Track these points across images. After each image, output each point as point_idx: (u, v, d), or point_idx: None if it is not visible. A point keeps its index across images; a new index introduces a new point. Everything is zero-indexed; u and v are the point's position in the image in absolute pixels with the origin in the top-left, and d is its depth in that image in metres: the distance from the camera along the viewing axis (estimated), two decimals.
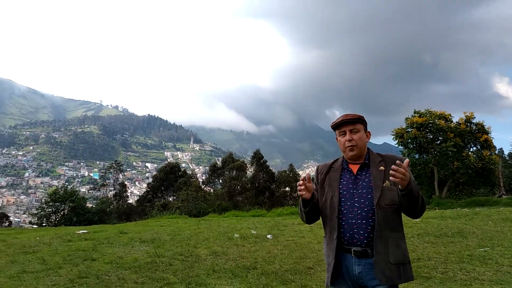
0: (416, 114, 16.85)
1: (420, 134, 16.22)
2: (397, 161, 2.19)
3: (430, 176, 17.30)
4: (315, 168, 2.75)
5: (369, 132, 2.55)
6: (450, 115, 16.75)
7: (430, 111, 16.78)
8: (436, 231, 7.79)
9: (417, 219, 9.25)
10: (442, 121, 16.22)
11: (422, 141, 16.16)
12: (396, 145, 17.55)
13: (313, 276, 5.15)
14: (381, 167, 2.42)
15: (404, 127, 17.07)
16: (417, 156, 17.29)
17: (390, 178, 2.18)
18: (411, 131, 16.48)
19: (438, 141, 16.57)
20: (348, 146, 2.45)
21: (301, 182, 2.40)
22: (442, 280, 4.77)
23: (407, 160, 2.25)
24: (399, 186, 2.22)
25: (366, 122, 2.53)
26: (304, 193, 2.40)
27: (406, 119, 17.07)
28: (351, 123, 2.46)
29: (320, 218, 2.61)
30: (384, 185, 2.35)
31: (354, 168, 2.49)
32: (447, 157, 15.82)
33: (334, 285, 2.41)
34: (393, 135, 17.30)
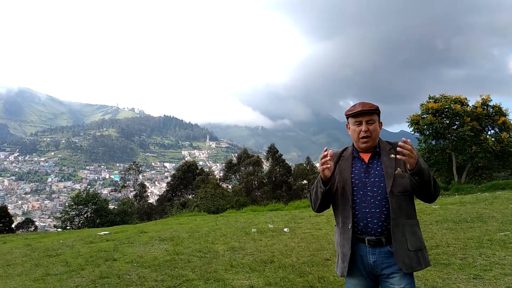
0: (431, 100, 16.53)
1: (436, 120, 15.91)
2: (402, 139, 2.19)
3: (448, 161, 17.00)
4: None
5: (381, 122, 2.52)
6: (466, 99, 16.37)
7: (445, 96, 16.43)
8: (455, 217, 7.68)
9: (435, 206, 9.15)
10: (458, 106, 15.86)
11: (438, 127, 15.84)
12: (412, 132, 17.30)
13: (330, 268, 5.15)
14: (392, 155, 2.40)
15: (419, 113, 16.80)
16: (433, 142, 17.00)
17: (397, 156, 2.20)
18: (427, 117, 16.18)
19: (455, 126, 16.23)
20: (363, 137, 2.42)
21: (326, 153, 2.30)
22: (461, 266, 4.72)
23: (408, 140, 2.21)
24: (408, 165, 2.22)
25: (380, 112, 2.51)
26: (328, 166, 2.31)
27: (421, 105, 16.77)
28: (368, 114, 2.42)
29: (331, 207, 2.59)
30: (395, 172, 2.33)
31: (365, 156, 2.47)
32: (465, 141, 15.51)
33: (349, 275, 2.41)
34: (408, 122, 17.04)
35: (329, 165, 2.31)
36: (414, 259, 2.28)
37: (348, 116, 2.51)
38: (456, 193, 13.23)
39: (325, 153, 2.31)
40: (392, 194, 2.30)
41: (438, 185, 2.36)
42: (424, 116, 16.51)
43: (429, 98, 16.83)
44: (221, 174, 38.46)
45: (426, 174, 2.24)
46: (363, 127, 2.41)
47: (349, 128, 2.53)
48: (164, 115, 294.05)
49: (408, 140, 2.22)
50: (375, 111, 2.44)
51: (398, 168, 2.34)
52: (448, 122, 16.30)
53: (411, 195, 2.37)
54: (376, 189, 2.35)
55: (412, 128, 16.94)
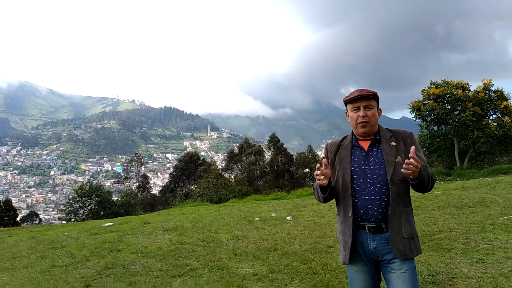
0: (432, 86, 16.48)
1: (437, 106, 15.87)
2: (410, 155, 2.15)
3: (450, 147, 17.00)
4: (324, 146, 2.71)
5: (380, 109, 2.50)
6: (467, 84, 16.33)
7: (446, 82, 16.36)
8: (457, 202, 7.69)
9: (438, 192, 9.18)
10: (460, 91, 15.81)
11: (440, 113, 15.81)
12: (414, 119, 17.27)
13: (333, 254, 5.19)
14: (392, 143, 2.40)
15: (421, 99, 16.75)
16: (435, 128, 16.99)
17: (402, 171, 2.18)
18: (428, 103, 16.14)
19: (457, 111, 16.21)
20: (361, 122, 2.41)
21: (318, 172, 2.37)
22: (464, 250, 4.75)
23: (413, 148, 2.19)
24: (410, 176, 2.21)
25: (379, 98, 2.48)
26: (323, 182, 2.37)
27: (423, 91, 16.73)
28: (366, 99, 2.41)
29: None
30: (396, 160, 2.32)
31: (365, 144, 2.47)
32: (467, 127, 15.49)
33: (351, 262, 2.43)
34: (410, 108, 17.00)
35: (324, 182, 2.37)
36: (407, 246, 2.30)
37: (346, 103, 2.50)
38: (458, 179, 13.24)
39: (317, 171, 2.36)
40: (392, 182, 2.31)
41: (434, 180, 2.38)
42: (426, 102, 16.47)
43: (431, 83, 16.77)
44: (223, 164, 38.54)
45: (426, 180, 2.27)
46: (361, 112, 2.40)
47: (348, 115, 2.53)
48: (165, 106, 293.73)
49: (412, 148, 2.19)
50: (373, 97, 2.43)
51: (399, 157, 2.33)
52: (449, 107, 16.26)
53: (409, 183, 2.37)
54: (376, 176, 2.35)
55: (414, 114, 16.91)
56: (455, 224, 6.01)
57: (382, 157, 2.38)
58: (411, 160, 2.13)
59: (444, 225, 6.03)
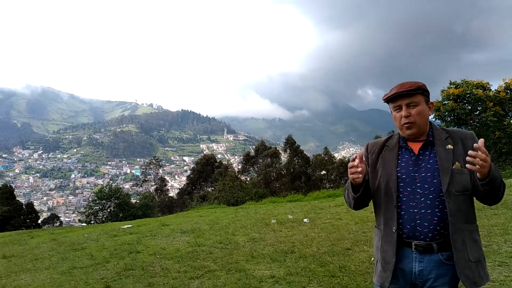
0: (452, 86, 16.21)
1: (457, 106, 15.60)
2: (475, 145, 1.75)
3: None
4: (364, 146, 2.30)
5: (431, 103, 2.09)
6: (488, 83, 16.00)
7: (466, 81, 16.07)
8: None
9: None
10: (480, 91, 15.50)
11: (460, 113, 15.53)
12: (433, 119, 16.99)
13: (351, 257, 5.15)
14: (449, 146, 2.00)
15: (440, 100, 16.49)
16: (455, 129, 16.70)
17: (467, 166, 1.77)
18: (448, 103, 15.87)
19: (477, 112, 15.89)
20: (405, 124, 2.01)
21: (355, 163, 1.99)
22: (486, 253, 4.57)
23: (482, 140, 1.78)
24: (478, 174, 1.81)
25: (428, 91, 2.06)
26: (358, 176, 1.99)
27: (442, 91, 16.47)
28: (408, 96, 2.00)
29: (372, 205, 2.23)
30: (453, 167, 1.92)
31: (415, 146, 2.06)
32: (488, 127, 15.17)
33: (384, 284, 2.05)
34: None
35: (359, 176, 2.00)
36: (476, 271, 1.90)
37: (386, 102, 2.13)
38: None
39: (353, 162, 2.01)
40: (449, 194, 1.90)
41: (505, 187, 1.94)
42: (445, 102, 16.20)
43: (450, 83, 16.51)
44: (239, 167, 38.68)
45: (498, 182, 1.83)
46: (403, 112, 2.01)
47: (393, 115, 2.15)
48: (182, 110, 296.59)
49: (481, 140, 1.79)
50: (417, 91, 2.00)
51: (457, 163, 1.93)
52: (470, 107, 15.95)
53: (471, 194, 1.95)
54: (428, 186, 1.96)
55: (433, 115, 16.64)
56: None
57: (435, 163, 1.98)
58: (478, 152, 1.73)
59: None
